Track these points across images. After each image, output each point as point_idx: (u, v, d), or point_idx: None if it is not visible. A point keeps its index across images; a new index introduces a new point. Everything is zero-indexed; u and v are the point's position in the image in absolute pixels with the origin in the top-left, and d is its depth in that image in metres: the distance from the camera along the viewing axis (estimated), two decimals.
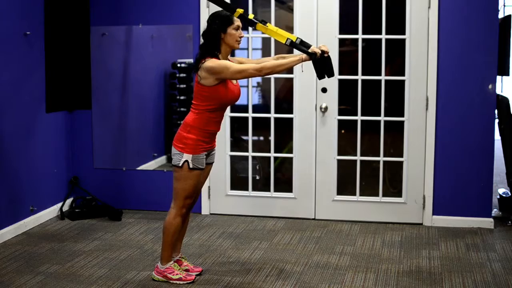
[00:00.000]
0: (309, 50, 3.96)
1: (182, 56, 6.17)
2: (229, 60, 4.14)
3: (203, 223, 5.58)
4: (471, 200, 5.46)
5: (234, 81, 4.16)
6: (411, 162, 5.53)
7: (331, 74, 4.01)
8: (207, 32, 4.08)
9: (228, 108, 5.68)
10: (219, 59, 4.04)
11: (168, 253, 4.24)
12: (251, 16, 4.09)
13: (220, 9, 4.13)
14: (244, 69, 4.02)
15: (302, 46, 3.99)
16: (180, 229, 4.26)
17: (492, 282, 4.29)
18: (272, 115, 5.72)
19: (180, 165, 4.09)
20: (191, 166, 4.08)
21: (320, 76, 4.01)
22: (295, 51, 4.26)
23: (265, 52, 5.89)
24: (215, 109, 4.08)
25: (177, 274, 4.23)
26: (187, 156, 4.07)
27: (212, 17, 4.10)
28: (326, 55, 3.96)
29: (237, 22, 4.07)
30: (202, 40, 4.13)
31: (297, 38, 4.02)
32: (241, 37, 4.10)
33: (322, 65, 3.97)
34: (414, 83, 5.46)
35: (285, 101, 5.85)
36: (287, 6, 5.79)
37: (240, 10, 4.05)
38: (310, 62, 4.00)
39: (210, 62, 3.99)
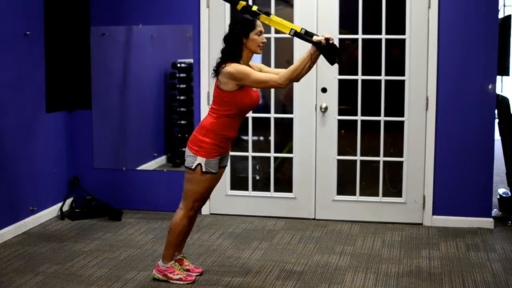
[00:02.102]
0: (314, 39, 3.91)
1: (182, 56, 6.17)
2: (250, 66, 4.10)
3: (203, 223, 5.58)
4: (471, 200, 5.46)
5: (254, 88, 4.11)
6: (411, 162, 5.53)
7: (340, 59, 3.98)
8: (229, 37, 4.04)
9: None
10: (240, 64, 4.00)
11: (171, 252, 4.24)
12: (254, 8, 4.03)
13: (242, 14, 4.05)
14: (265, 80, 3.95)
15: (307, 36, 3.94)
16: (186, 230, 4.26)
17: (492, 282, 4.29)
18: (272, 115, 5.72)
19: (193, 167, 4.07)
20: (203, 169, 4.06)
21: (332, 61, 3.96)
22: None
23: (265, 52, 5.88)
24: (233, 114, 4.05)
25: (177, 274, 4.23)
26: (200, 160, 4.05)
27: (235, 22, 4.07)
28: (330, 41, 3.91)
29: (260, 27, 4.02)
30: (223, 45, 4.08)
31: (302, 28, 3.95)
32: (263, 42, 4.04)
33: (330, 51, 3.92)
34: (414, 83, 5.46)
35: (285, 101, 5.85)
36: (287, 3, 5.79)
37: (243, 2, 4.02)
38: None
39: (231, 68, 3.95)
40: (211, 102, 4.17)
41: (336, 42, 5.50)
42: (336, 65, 5.41)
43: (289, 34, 3.97)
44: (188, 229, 4.32)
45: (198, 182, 4.10)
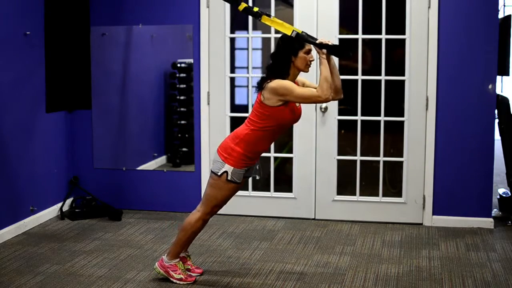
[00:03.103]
0: (317, 42, 3.93)
1: (182, 56, 6.17)
2: (294, 81, 4.06)
3: None
4: (471, 200, 5.46)
5: (297, 104, 4.10)
6: (411, 162, 5.53)
7: (348, 52, 3.98)
8: (277, 54, 4.02)
9: (228, 108, 5.71)
10: (285, 80, 3.98)
11: (178, 250, 4.24)
12: (255, 9, 4.02)
13: (244, 15, 4.02)
14: (308, 96, 3.93)
15: (308, 38, 3.95)
16: (198, 232, 4.26)
17: (492, 282, 4.29)
18: None
19: (219, 174, 4.06)
20: (229, 178, 4.05)
21: (342, 56, 4.00)
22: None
23: (265, 52, 5.89)
24: (271, 129, 4.03)
25: (179, 274, 4.23)
26: (228, 167, 4.04)
27: (283, 40, 4.04)
28: (330, 43, 3.94)
29: (308, 46, 3.99)
30: (270, 61, 4.06)
31: (302, 31, 3.97)
32: (311, 60, 4.03)
33: (336, 48, 3.93)
34: (414, 83, 5.46)
35: None
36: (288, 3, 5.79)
37: (244, 4, 4.02)
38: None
39: (274, 83, 3.93)
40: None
41: (336, 42, 5.50)
42: (335, 65, 5.44)
43: (290, 35, 3.97)
44: (200, 231, 4.32)
45: (221, 189, 4.09)
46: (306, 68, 4.02)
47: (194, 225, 4.18)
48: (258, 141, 4.05)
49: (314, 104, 5.58)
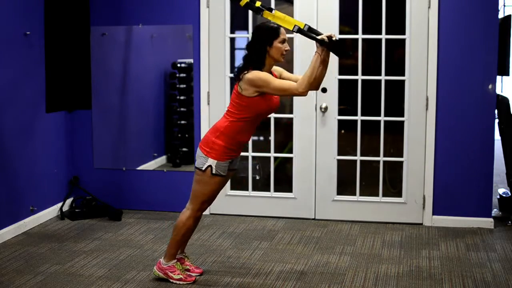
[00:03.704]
0: (318, 37, 3.86)
1: (182, 56, 6.17)
2: (271, 72, 4.07)
3: (203, 223, 5.58)
4: (471, 200, 5.46)
5: (275, 95, 4.08)
6: (411, 162, 5.53)
7: (347, 53, 3.94)
8: (252, 44, 4.02)
9: None
10: (262, 71, 3.98)
11: (174, 251, 4.24)
12: (258, 4, 3.99)
13: (265, 21, 4.02)
14: (285, 88, 3.92)
15: (310, 32, 3.90)
16: (191, 230, 4.26)
17: (492, 282, 4.29)
18: (272, 115, 5.72)
19: (203, 169, 4.07)
20: (213, 171, 4.05)
21: (341, 54, 3.94)
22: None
23: None
24: (250, 119, 4.04)
25: (178, 274, 4.23)
26: (211, 161, 4.04)
27: (258, 30, 4.04)
28: (333, 38, 3.85)
29: (283, 35, 4.00)
30: (246, 52, 4.06)
31: (305, 25, 3.91)
32: (286, 50, 4.02)
33: (336, 46, 3.87)
34: (414, 83, 5.46)
35: (285, 101, 5.85)
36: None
37: None
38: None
39: (251, 74, 3.93)
40: (227, 105, 4.15)
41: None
42: (336, 65, 5.45)
43: (292, 30, 3.93)
44: (193, 229, 4.32)
45: (207, 183, 4.09)
46: (281, 57, 4.02)
47: (186, 223, 4.18)
48: (238, 132, 4.05)
49: (314, 104, 5.59)
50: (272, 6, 5.57)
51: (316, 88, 3.92)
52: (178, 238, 4.21)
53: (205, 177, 4.08)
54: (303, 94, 3.92)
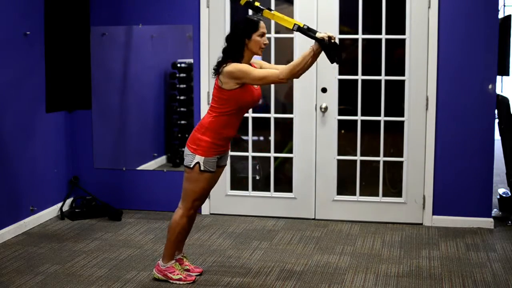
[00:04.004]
0: (317, 36, 3.89)
1: (182, 56, 6.17)
2: (250, 64, 4.09)
3: (203, 223, 5.58)
4: (471, 200, 5.46)
5: (255, 85, 4.11)
6: (411, 162, 5.53)
7: (340, 58, 3.97)
8: (231, 37, 4.04)
9: None
10: (240, 63, 4.00)
11: (171, 251, 4.24)
12: (257, 3, 4.01)
13: (246, 8, 4.04)
14: (264, 76, 3.96)
15: (309, 32, 3.93)
16: (185, 229, 4.26)
17: (492, 282, 4.29)
18: (272, 115, 5.72)
19: (191, 166, 4.07)
20: (202, 168, 4.06)
21: (332, 59, 3.96)
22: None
23: (265, 52, 5.88)
24: (232, 112, 4.05)
25: (177, 274, 4.23)
26: (199, 158, 4.05)
27: (237, 22, 4.07)
28: (333, 40, 3.89)
29: (262, 28, 4.01)
30: (225, 44, 4.08)
31: (304, 25, 3.95)
32: (265, 44, 4.04)
33: (332, 49, 3.90)
34: (414, 83, 5.46)
35: (285, 101, 5.85)
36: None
37: None
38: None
39: (230, 67, 3.95)
40: (210, 101, 4.17)
41: (337, 41, 5.51)
42: (336, 65, 5.45)
43: (292, 29, 3.96)
44: (188, 229, 4.32)
45: (196, 181, 4.10)
46: (259, 51, 4.04)
47: (179, 222, 4.18)
48: (223, 126, 4.06)
49: (314, 104, 5.59)
50: (272, 7, 5.57)
51: (296, 77, 3.98)
52: (173, 238, 4.21)
53: (194, 174, 4.08)
54: (283, 81, 3.97)
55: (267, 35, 4.11)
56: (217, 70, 4.03)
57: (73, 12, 5.74)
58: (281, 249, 4.94)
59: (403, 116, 5.52)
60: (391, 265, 4.59)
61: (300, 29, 3.94)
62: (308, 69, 3.97)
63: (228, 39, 4.07)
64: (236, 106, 4.03)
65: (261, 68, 4.16)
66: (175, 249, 4.27)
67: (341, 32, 5.54)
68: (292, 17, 5.53)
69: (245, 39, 4.00)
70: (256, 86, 4.10)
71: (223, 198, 5.85)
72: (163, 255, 4.28)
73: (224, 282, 4.27)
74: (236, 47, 4.01)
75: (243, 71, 3.94)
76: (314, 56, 3.90)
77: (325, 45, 3.88)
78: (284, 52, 5.74)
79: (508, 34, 5.49)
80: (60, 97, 5.75)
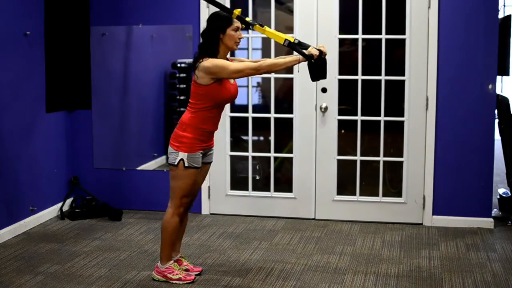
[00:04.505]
0: (307, 52, 3.94)
1: (182, 56, 6.17)
2: (228, 60, 4.12)
3: (203, 223, 5.58)
4: (471, 200, 5.46)
5: (232, 80, 4.15)
6: (411, 162, 5.53)
7: (323, 77, 4.01)
8: (206, 32, 4.08)
9: (228, 108, 5.71)
10: (217, 58, 4.03)
11: (167, 252, 4.24)
12: (248, 19, 4.08)
13: (282, 42, 4.08)
14: (241, 68, 4.01)
15: (300, 47, 3.99)
16: (178, 228, 4.26)
17: (492, 282, 4.29)
18: (272, 115, 5.72)
19: (175, 163, 4.10)
20: (186, 164, 4.08)
21: (314, 78, 4.01)
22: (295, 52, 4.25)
23: (265, 52, 5.89)
24: (211, 108, 4.08)
25: (177, 274, 4.23)
26: (182, 155, 4.07)
27: (212, 17, 4.10)
28: (323, 56, 3.95)
29: (237, 23, 4.06)
30: (201, 40, 4.13)
31: (295, 39, 4.03)
32: (240, 38, 4.09)
33: (317, 68, 3.96)
34: (414, 83, 5.46)
35: (285, 101, 5.85)
36: (286, 7, 5.79)
37: (237, 12, 4.04)
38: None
39: (207, 62, 3.98)
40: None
41: (336, 42, 5.51)
42: (336, 65, 5.46)
43: (283, 44, 4.03)
44: (181, 228, 4.32)
45: (182, 177, 4.12)
46: (234, 45, 4.08)
47: (171, 221, 4.20)
48: (203, 121, 4.08)
49: (314, 104, 5.58)
50: (272, 7, 5.57)
51: (268, 73, 4.20)
52: (167, 238, 4.21)
53: (179, 172, 4.10)
54: (258, 72, 4.04)
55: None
56: (194, 65, 4.06)
57: (73, 12, 5.75)
58: (281, 249, 4.94)
59: (403, 116, 5.52)
60: (391, 265, 4.59)
61: (291, 45, 4.01)
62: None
63: (203, 34, 4.11)
64: (213, 101, 4.06)
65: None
66: (171, 249, 4.26)
67: (340, 33, 5.54)
68: (292, 17, 5.56)
69: (220, 34, 4.03)
70: (232, 81, 4.14)
71: (223, 198, 5.85)
72: (160, 257, 4.28)
73: (224, 282, 4.27)
74: (212, 42, 4.04)
75: (219, 66, 3.97)
76: (294, 63, 4.00)
77: (311, 63, 3.95)
78: (283, 52, 5.74)
79: (508, 34, 5.49)
80: (60, 97, 5.76)
